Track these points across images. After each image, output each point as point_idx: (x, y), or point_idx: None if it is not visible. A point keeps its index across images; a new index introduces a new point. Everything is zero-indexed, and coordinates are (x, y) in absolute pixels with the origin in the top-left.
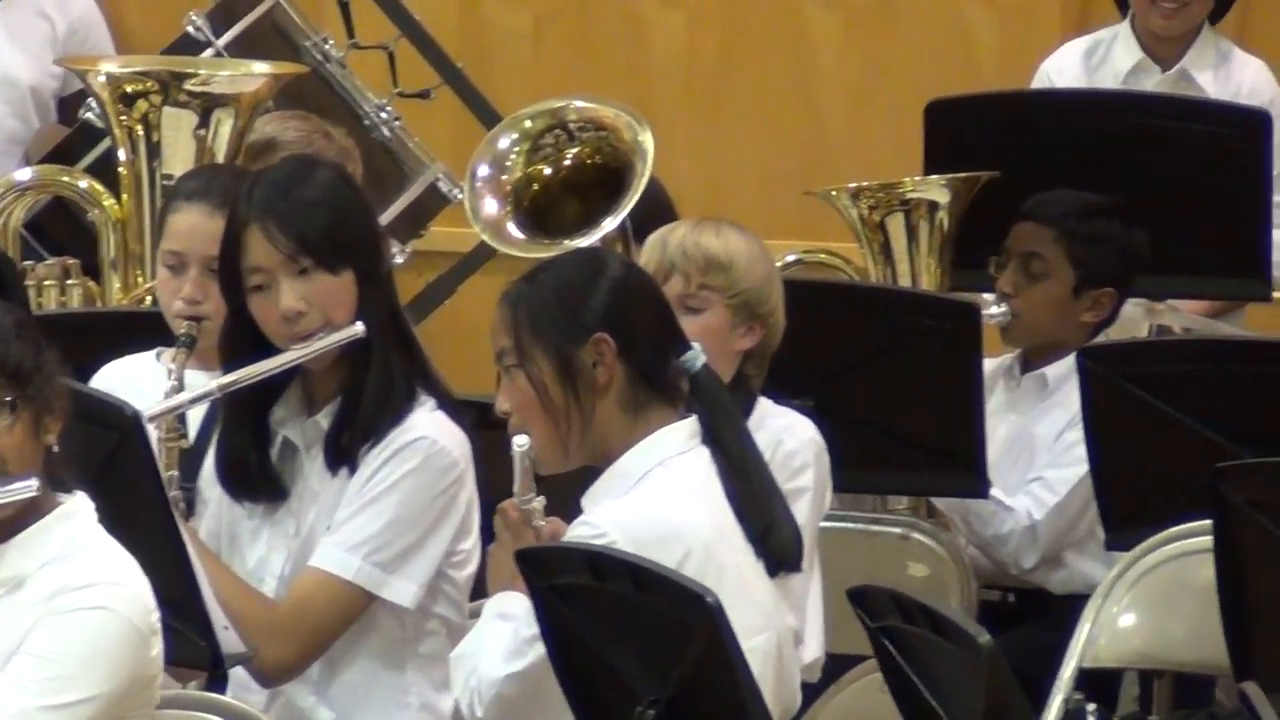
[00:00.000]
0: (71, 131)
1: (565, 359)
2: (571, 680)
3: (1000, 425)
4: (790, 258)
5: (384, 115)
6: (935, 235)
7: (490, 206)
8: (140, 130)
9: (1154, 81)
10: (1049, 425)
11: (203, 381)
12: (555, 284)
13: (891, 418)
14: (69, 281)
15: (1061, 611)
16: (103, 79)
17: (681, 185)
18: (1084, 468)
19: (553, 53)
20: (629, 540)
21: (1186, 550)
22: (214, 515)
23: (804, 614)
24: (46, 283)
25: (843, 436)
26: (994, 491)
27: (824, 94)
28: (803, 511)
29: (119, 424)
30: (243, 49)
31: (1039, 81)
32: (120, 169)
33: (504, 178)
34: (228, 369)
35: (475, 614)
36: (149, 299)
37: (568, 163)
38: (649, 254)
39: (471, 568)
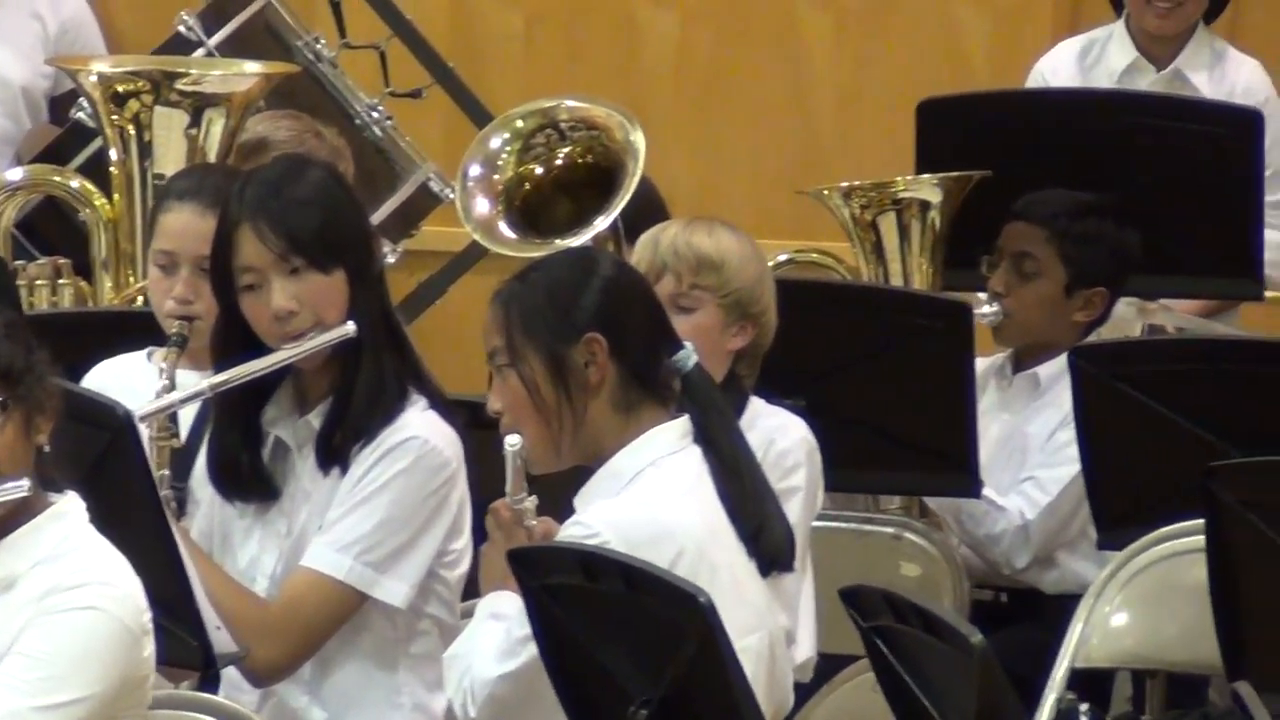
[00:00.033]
0: (63, 131)
1: (557, 358)
2: (564, 680)
3: (992, 425)
4: (782, 257)
5: (375, 115)
6: (927, 235)
7: (482, 206)
8: (132, 130)
9: (1149, 81)
10: (1041, 425)
11: (194, 381)
12: (547, 283)
13: (884, 417)
14: (60, 281)
15: (1054, 611)
16: (94, 79)
17: (673, 184)
18: (1076, 467)
19: (544, 52)
20: (621, 540)
21: (1179, 550)
22: (206, 515)
23: (796, 614)
24: (38, 282)
25: (835, 436)
26: (986, 491)
27: (816, 94)
28: (795, 511)
29: (110, 424)
30: (234, 49)
31: (1033, 81)
32: (112, 169)
33: (495, 177)
34: (219, 368)
35: (467, 614)
36: (140, 299)
37: (559, 162)
38: (641, 253)
39: (463, 568)
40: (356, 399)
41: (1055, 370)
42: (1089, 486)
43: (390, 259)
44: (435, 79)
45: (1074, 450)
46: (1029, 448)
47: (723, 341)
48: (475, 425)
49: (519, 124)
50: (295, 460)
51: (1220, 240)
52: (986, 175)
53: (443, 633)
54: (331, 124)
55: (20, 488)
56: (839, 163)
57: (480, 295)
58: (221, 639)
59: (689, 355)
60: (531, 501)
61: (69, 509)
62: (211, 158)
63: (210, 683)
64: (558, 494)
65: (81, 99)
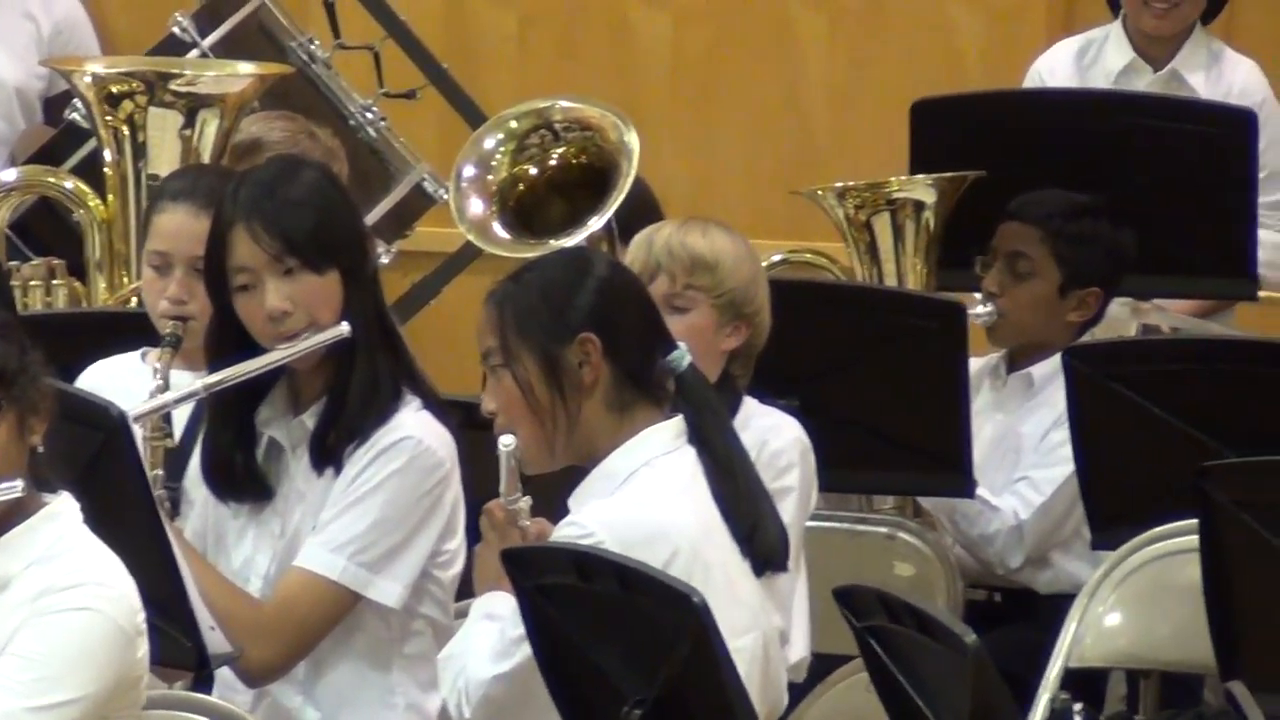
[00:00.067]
0: (57, 132)
1: (551, 359)
2: (558, 681)
3: (986, 425)
4: (776, 257)
5: (369, 116)
6: (921, 235)
7: (476, 206)
8: (126, 131)
9: (1146, 82)
10: (1035, 425)
11: (188, 381)
12: (541, 284)
13: (877, 417)
14: (54, 282)
15: (1048, 611)
16: (88, 79)
17: (667, 185)
18: (1070, 467)
19: (538, 53)
20: (615, 540)
21: (1172, 550)
22: (199, 515)
23: (790, 614)
24: (32, 283)
25: (828, 436)
26: (980, 491)
27: (810, 94)
28: (788, 511)
29: (104, 424)
30: (228, 49)
31: (1030, 81)
32: (106, 169)
33: (489, 178)
34: (213, 369)
35: (461, 614)
36: (134, 299)
37: (553, 163)
38: (635, 254)
39: (457, 568)
40: (351, 399)
41: (1049, 370)
42: (1083, 486)
43: (384, 259)
44: (429, 80)
45: (1068, 450)
46: (1023, 448)
47: (717, 342)
48: (469, 426)
49: (513, 125)
50: (289, 460)
51: (1215, 240)
52: (981, 175)
53: (437, 633)
54: (325, 125)
55: (14, 488)
56: (833, 163)
57: (474, 296)
58: (215, 639)
59: (683, 355)
60: (526, 502)
61: (63, 509)
62: (206, 158)
63: (204, 683)
64: (552, 494)
65: (75, 100)
